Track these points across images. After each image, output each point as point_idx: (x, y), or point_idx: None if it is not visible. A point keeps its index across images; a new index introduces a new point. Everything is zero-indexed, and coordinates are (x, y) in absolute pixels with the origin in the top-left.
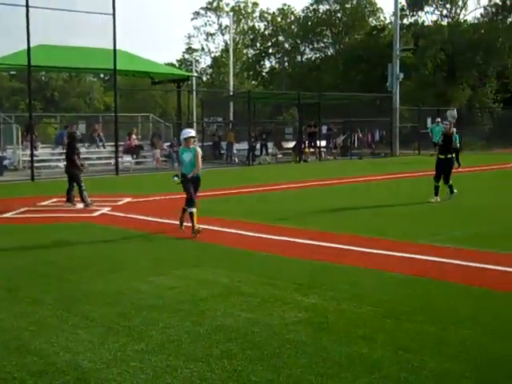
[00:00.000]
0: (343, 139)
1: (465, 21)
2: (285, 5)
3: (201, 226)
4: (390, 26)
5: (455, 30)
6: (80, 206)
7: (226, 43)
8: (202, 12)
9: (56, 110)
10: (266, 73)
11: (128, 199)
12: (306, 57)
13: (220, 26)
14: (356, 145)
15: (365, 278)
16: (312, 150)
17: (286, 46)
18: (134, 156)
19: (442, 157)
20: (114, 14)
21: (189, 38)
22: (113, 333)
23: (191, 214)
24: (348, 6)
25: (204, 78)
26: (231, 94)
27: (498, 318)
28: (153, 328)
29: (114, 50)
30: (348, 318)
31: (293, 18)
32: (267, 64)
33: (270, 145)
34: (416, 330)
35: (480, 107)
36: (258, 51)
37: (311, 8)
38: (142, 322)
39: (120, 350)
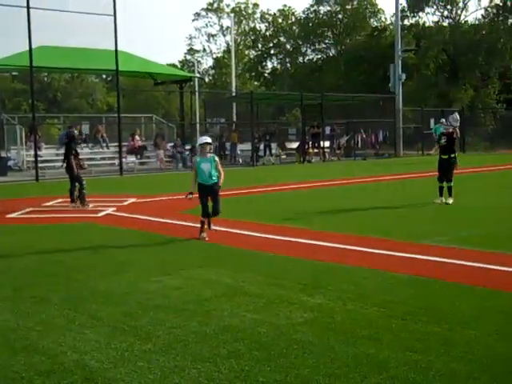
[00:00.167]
0: (347, 140)
1: (466, 22)
2: (285, 6)
3: (206, 237)
4: (391, 27)
5: (456, 30)
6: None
7: (228, 44)
8: (203, 13)
9: (59, 111)
10: (268, 74)
11: (133, 199)
12: (307, 58)
13: (221, 27)
14: (360, 145)
15: (369, 278)
16: (316, 150)
17: (288, 46)
18: (138, 156)
19: (445, 157)
20: (115, 15)
21: (190, 39)
22: (120, 332)
23: (202, 221)
24: (349, 7)
25: (206, 79)
26: (234, 94)
27: (503, 318)
28: (160, 328)
29: (116, 50)
30: (354, 319)
31: (293, 19)
32: (269, 65)
33: (273, 145)
34: (422, 330)
35: (483, 108)
36: (259, 52)
37: (312, 9)
38: (149, 321)
39: (127, 350)
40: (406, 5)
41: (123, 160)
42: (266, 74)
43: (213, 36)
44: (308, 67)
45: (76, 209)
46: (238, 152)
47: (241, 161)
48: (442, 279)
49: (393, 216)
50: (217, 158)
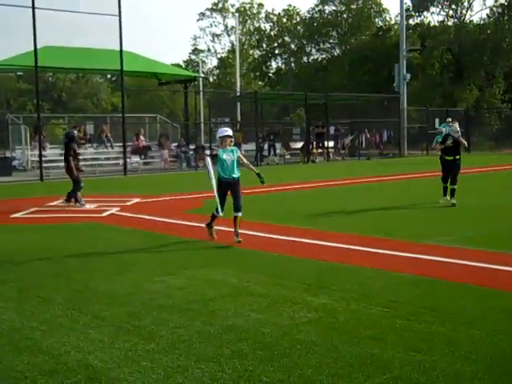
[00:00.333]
0: (351, 140)
1: (471, 21)
2: (290, 5)
3: (215, 234)
4: (395, 27)
5: (461, 30)
6: (89, 206)
7: (232, 44)
8: (208, 13)
9: (64, 111)
10: (273, 73)
11: (137, 199)
12: (312, 57)
13: (226, 26)
14: (364, 145)
15: (373, 278)
16: (320, 150)
17: (292, 46)
18: (142, 156)
19: (450, 158)
20: (119, 15)
21: (195, 39)
22: (123, 332)
23: (213, 215)
24: (354, 6)
25: (211, 79)
26: (238, 94)
27: (508, 318)
28: (163, 328)
29: (121, 50)
30: (358, 319)
31: (298, 18)
32: (273, 65)
33: (277, 145)
34: (426, 330)
35: (488, 108)
36: (264, 52)
37: (317, 9)
38: (153, 321)
39: (131, 350)
40: (410, 4)
41: (127, 160)
42: (270, 74)
43: (217, 36)
44: (312, 67)
45: (80, 208)
46: (242, 152)
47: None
48: (446, 279)
49: (397, 216)
50: (239, 151)
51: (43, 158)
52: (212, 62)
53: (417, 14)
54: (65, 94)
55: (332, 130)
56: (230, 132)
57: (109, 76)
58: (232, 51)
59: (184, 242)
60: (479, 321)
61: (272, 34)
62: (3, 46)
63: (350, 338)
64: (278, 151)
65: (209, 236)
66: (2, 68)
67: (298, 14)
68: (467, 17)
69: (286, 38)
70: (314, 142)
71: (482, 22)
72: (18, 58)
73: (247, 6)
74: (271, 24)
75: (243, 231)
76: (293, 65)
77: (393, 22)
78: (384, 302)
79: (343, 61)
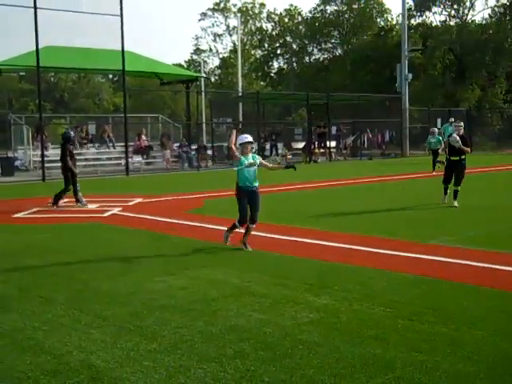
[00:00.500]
0: (353, 140)
1: (473, 21)
2: (291, 5)
3: (229, 240)
4: (397, 27)
5: (463, 30)
6: (89, 206)
7: (234, 44)
8: (210, 13)
9: (65, 111)
10: (275, 73)
11: (139, 199)
12: (313, 57)
13: (227, 26)
14: (366, 145)
15: (376, 278)
16: (322, 150)
17: (294, 46)
18: (144, 156)
19: (456, 158)
20: (121, 15)
21: (196, 39)
22: (125, 332)
23: (234, 225)
24: (355, 6)
25: (212, 79)
26: (240, 94)
27: (509, 318)
28: (165, 328)
29: (122, 50)
30: (360, 319)
31: (300, 18)
32: (275, 65)
33: (279, 145)
34: (428, 330)
35: (490, 108)
36: (266, 52)
37: (318, 9)
38: (155, 321)
39: (133, 350)
40: (412, 4)
41: (129, 160)
42: (272, 74)
43: (219, 36)
44: (314, 67)
45: (82, 208)
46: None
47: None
48: (448, 279)
49: (399, 216)
50: (260, 157)
51: (45, 158)
52: (214, 62)
53: (419, 13)
54: (67, 94)
55: (334, 130)
56: (250, 138)
57: (110, 76)
58: (234, 51)
59: (186, 242)
60: (481, 321)
61: (274, 33)
62: (5, 46)
63: (352, 338)
64: (279, 151)
65: (222, 239)
66: (4, 68)
67: (299, 13)
68: (469, 17)
69: (288, 38)
70: (316, 142)
71: (484, 21)
72: (20, 58)
73: (249, 6)
74: (273, 24)
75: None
76: (295, 65)
77: (395, 21)
78: (386, 302)
79: (345, 61)
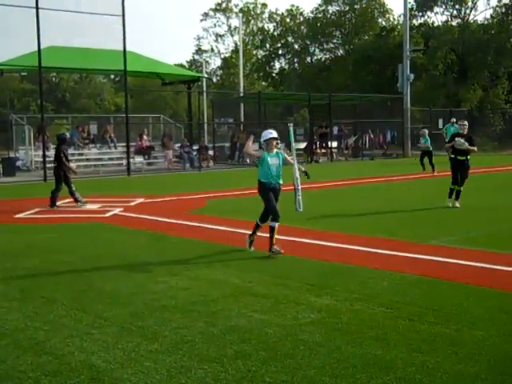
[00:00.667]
0: (354, 140)
1: (475, 21)
2: (293, 6)
3: (279, 249)
4: (399, 27)
5: (465, 30)
6: (91, 206)
7: (236, 44)
8: (211, 13)
9: (67, 111)
10: (276, 74)
11: (140, 200)
12: (315, 58)
13: (229, 27)
14: (367, 146)
15: (376, 278)
16: (323, 150)
17: (296, 46)
18: (146, 157)
19: (462, 158)
20: (123, 16)
21: (198, 39)
22: (126, 333)
23: (272, 228)
24: (357, 6)
25: (214, 79)
26: (241, 94)
27: (509, 318)
28: (166, 328)
29: (124, 51)
30: (361, 319)
31: (302, 18)
32: (277, 65)
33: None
34: (429, 330)
35: (491, 108)
36: (267, 52)
37: (320, 9)
38: (156, 322)
39: (134, 350)
40: (414, 4)
41: (131, 160)
42: (273, 74)
43: (221, 36)
44: (316, 67)
45: (82, 208)
46: None
47: (248, 161)
48: (448, 280)
49: (399, 216)
50: (285, 154)
51: (47, 159)
52: (215, 63)
53: (420, 14)
54: (68, 94)
55: (335, 130)
56: (275, 134)
57: (112, 76)
58: (235, 51)
59: (187, 243)
60: (482, 321)
61: (275, 34)
62: (6, 47)
63: (353, 338)
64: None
65: (245, 243)
66: (5, 68)
67: (301, 14)
68: (471, 17)
69: (290, 38)
70: (318, 143)
71: (485, 22)
72: (22, 58)
73: (251, 6)
74: (275, 24)
75: (246, 231)
76: (296, 65)
77: (396, 22)
78: (387, 302)
79: (347, 61)
